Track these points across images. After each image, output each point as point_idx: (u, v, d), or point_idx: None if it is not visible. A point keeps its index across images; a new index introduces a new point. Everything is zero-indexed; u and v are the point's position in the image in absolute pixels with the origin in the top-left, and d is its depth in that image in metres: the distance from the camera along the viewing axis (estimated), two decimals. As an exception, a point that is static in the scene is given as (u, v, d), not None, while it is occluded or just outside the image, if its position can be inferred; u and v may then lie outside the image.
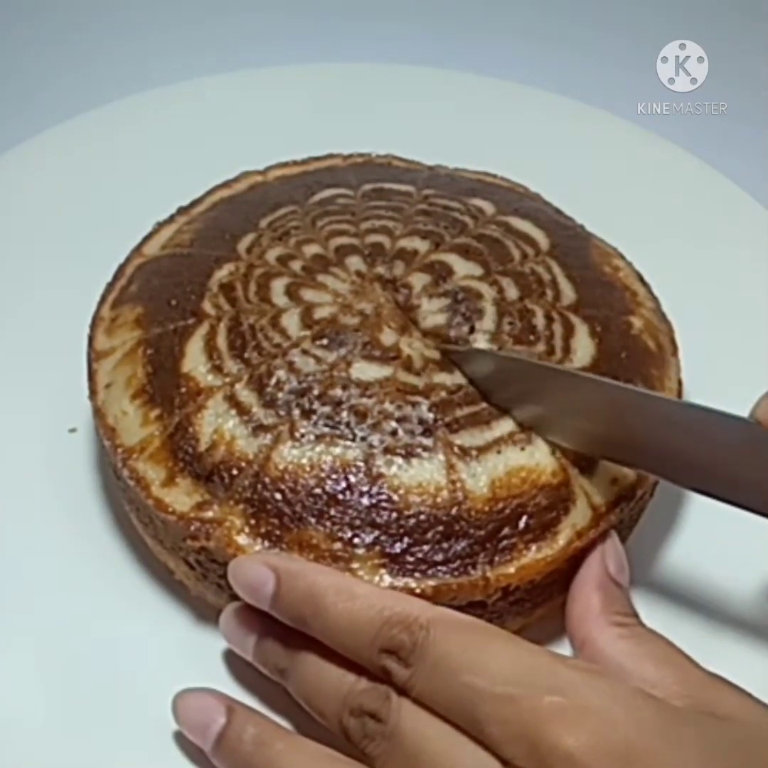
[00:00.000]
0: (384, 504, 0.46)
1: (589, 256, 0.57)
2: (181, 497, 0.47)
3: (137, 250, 0.57)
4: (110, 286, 0.56)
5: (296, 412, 0.48)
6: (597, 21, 0.84)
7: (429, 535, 0.45)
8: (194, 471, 0.47)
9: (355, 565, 0.45)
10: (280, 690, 0.45)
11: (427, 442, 0.47)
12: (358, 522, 0.45)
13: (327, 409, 0.48)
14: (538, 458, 0.48)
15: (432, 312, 0.52)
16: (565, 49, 0.82)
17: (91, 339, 0.53)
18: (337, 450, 0.47)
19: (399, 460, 0.47)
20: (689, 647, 0.42)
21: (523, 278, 0.54)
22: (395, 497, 0.46)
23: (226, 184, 0.62)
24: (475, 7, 0.85)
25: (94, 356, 0.52)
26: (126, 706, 0.47)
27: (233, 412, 0.48)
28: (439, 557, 0.45)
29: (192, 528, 0.46)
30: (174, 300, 0.53)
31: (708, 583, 0.50)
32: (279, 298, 0.52)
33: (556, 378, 0.48)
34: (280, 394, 0.48)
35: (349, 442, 0.47)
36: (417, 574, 0.45)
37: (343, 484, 0.46)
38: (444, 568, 0.45)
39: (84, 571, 0.51)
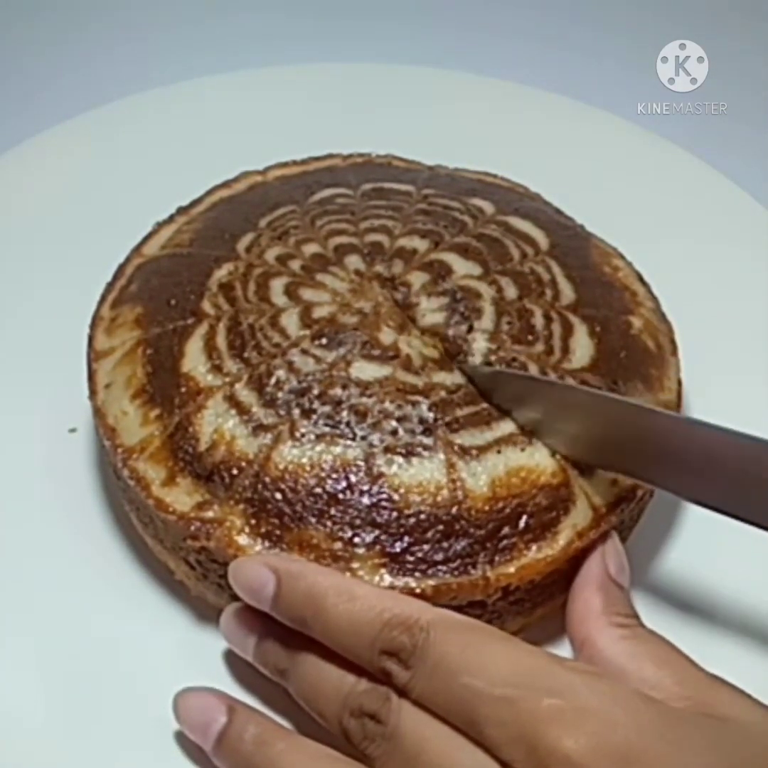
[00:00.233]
0: (384, 503, 0.46)
1: (588, 256, 0.57)
2: (182, 497, 0.47)
3: (137, 250, 0.57)
4: (110, 286, 0.56)
5: (296, 411, 0.48)
6: (597, 21, 0.84)
7: (429, 534, 0.45)
8: (194, 471, 0.47)
9: (355, 565, 0.45)
10: (280, 690, 0.45)
11: (428, 441, 0.47)
12: (358, 521, 0.45)
13: (327, 408, 0.48)
14: (538, 459, 0.48)
15: (431, 310, 0.52)
16: (565, 49, 0.82)
17: (90, 339, 0.53)
18: (338, 449, 0.47)
19: (399, 460, 0.47)
20: (689, 648, 0.42)
21: (522, 278, 0.54)
22: (395, 496, 0.46)
23: (225, 184, 0.62)
24: (475, 7, 0.85)
25: (93, 356, 0.52)
26: (126, 706, 0.47)
27: (233, 411, 0.48)
28: (440, 556, 0.45)
29: (192, 528, 0.46)
30: (173, 300, 0.53)
31: (708, 584, 0.50)
32: (278, 297, 0.52)
33: (559, 391, 0.48)
34: (279, 394, 0.48)
35: (349, 442, 0.47)
36: (417, 574, 0.45)
37: (344, 484, 0.46)
38: (444, 568, 0.45)
39: (84, 571, 0.51)
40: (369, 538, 0.45)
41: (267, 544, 0.45)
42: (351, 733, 0.40)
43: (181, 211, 0.60)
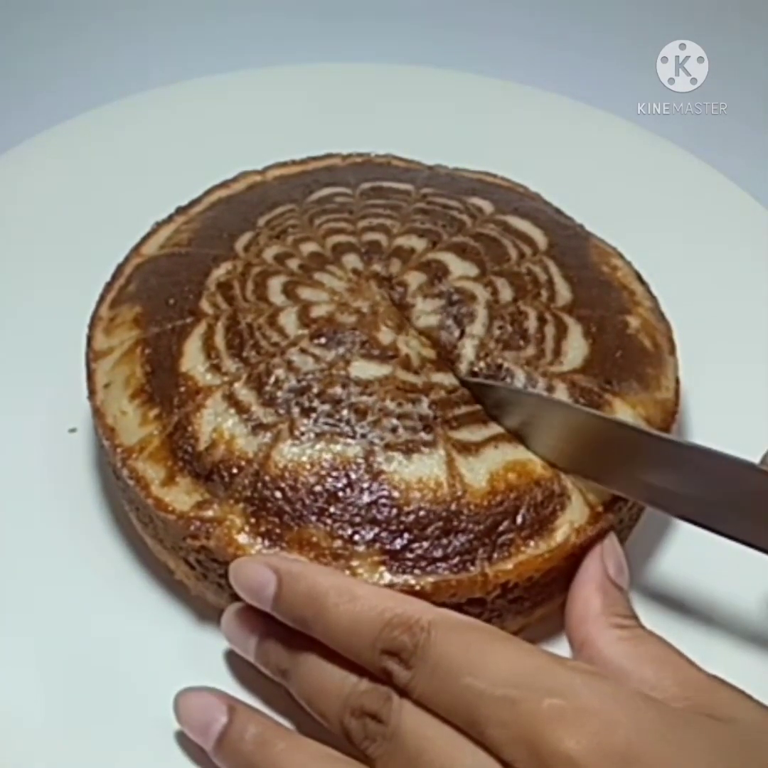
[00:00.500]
0: (384, 500, 0.46)
1: (587, 255, 0.57)
2: (181, 496, 0.47)
3: (136, 249, 0.57)
4: (109, 286, 0.56)
5: (296, 410, 0.48)
6: (597, 21, 0.84)
7: (429, 531, 0.45)
8: (194, 470, 0.47)
9: (355, 563, 0.45)
10: (280, 690, 0.45)
11: (428, 437, 0.47)
12: (358, 519, 0.45)
13: (327, 407, 0.48)
14: (530, 453, 0.48)
15: (425, 312, 0.52)
16: (565, 49, 0.82)
17: (89, 339, 0.53)
18: (337, 447, 0.47)
19: (399, 457, 0.47)
20: (688, 649, 0.42)
21: (518, 278, 0.54)
22: (395, 493, 0.46)
23: (224, 184, 0.62)
24: (475, 7, 0.85)
25: (92, 356, 0.52)
26: (126, 706, 0.47)
27: (232, 410, 0.48)
28: (439, 553, 0.45)
29: (192, 527, 0.46)
30: (172, 299, 0.53)
31: (707, 584, 0.50)
32: (276, 296, 0.52)
33: (537, 403, 0.48)
34: (279, 393, 0.48)
35: (349, 440, 0.47)
36: (416, 571, 0.45)
37: (344, 482, 0.46)
38: (443, 565, 0.45)
39: (84, 571, 0.51)
40: (369, 536, 0.45)
41: (267, 542, 0.45)
42: (352, 733, 0.40)
43: (180, 210, 0.60)
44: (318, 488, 0.46)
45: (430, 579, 0.45)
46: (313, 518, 0.45)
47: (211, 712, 0.43)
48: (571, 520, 0.47)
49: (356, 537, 0.45)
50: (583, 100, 0.75)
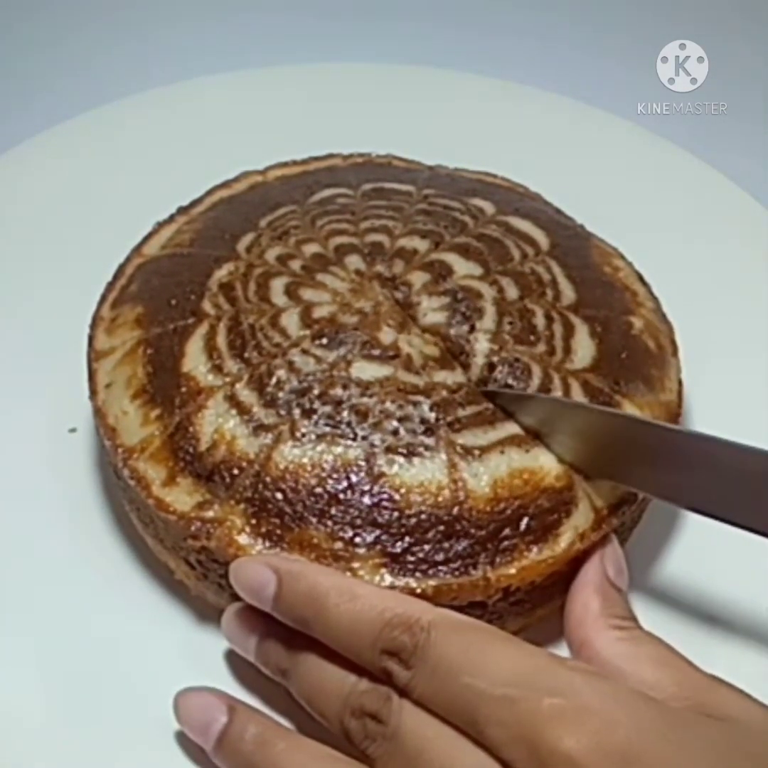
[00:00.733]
0: (385, 503, 0.46)
1: (589, 256, 0.57)
2: (182, 497, 0.47)
3: (137, 249, 0.57)
4: (110, 286, 0.56)
5: (297, 411, 0.48)
6: (597, 21, 0.84)
7: (430, 534, 0.45)
8: (195, 471, 0.47)
9: (355, 565, 0.45)
10: (281, 690, 0.45)
11: (429, 441, 0.47)
12: (359, 521, 0.45)
13: (328, 408, 0.48)
14: (542, 461, 0.48)
15: (432, 309, 0.52)
16: (565, 48, 0.82)
17: (91, 339, 0.53)
18: (339, 449, 0.47)
19: (400, 460, 0.47)
20: (687, 650, 0.42)
21: (523, 278, 0.54)
22: (397, 496, 0.46)
23: (225, 184, 0.62)
24: (475, 7, 0.85)
25: (94, 356, 0.52)
26: (126, 706, 0.47)
27: (234, 411, 0.48)
28: (440, 557, 0.45)
29: (193, 528, 0.46)
30: (174, 300, 0.53)
31: (706, 586, 0.50)
32: (278, 297, 0.52)
33: (561, 407, 0.48)
34: (280, 394, 0.48)
35: (350, 442, 0.47)
36: (418, 574, 0.45)
37: (345, 484, 0.46)
38: (445, 568, 0.45)
39: (84, 571, 0.51)
40: (370, 538, 0.45)
41: (267, 543, 0.45)
42: (352, 733, 0.40)
43: (182, 211, 0.60)
44: (319, 490, 0.46)
45: (432, 582, 0.44)
46: (314, 520, 0.45)
47: (211, 712, 0.43)
48: (575, 525, 0.47)
49: (357, 539, 0.45)
50: (583, 100, 0.76)
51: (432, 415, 0.48)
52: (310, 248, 0.55)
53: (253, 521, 0.46)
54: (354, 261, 0.54)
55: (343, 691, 0.41)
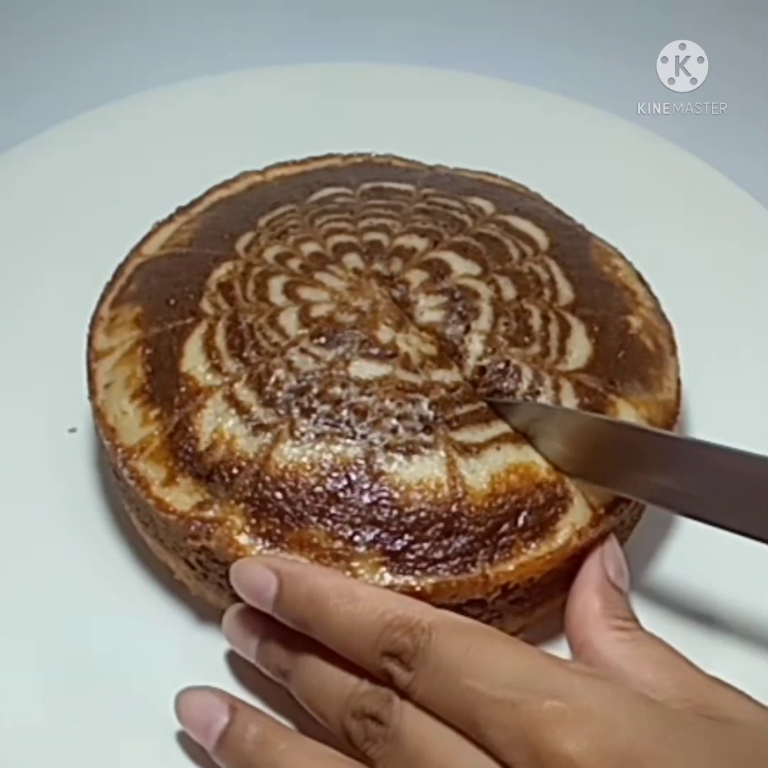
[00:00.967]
0: (385, 501, 0.46)
1: (588, 255, 0.57)
2: (182, 497, 0.47)
3: (136, 249, 0.57)
4: (110, 286, 0.56)
5: (296, 410, 0.48)
6: (597, 20, 0.84)
7: (429, 532, 0.45)
8: (194, 470, 0.47)
9: (355, 564, 0.45)
10: (281, 690, 0.45)
11: (428, 438, 0.47)
12: (358, 520, 0.45)
13: (326, 407, 0.48)
14: (534, 456, 0.48)
15: (429, 308, 0.52)
16: (565, 48, 0.82)
17: (90, 339, 0.53)
18: (338, 448, 0.47)
19: (400, 458, 0.47)
20: (688, 650, 0.42)
21: (521, 278, 0.54)
22: (396, 494, 0.46)
23: (225, 184, 0.62)
24: (475, 7, 0.85)
25: (93, 356, 0.52)
26: (126, 706, 0.46)
27: (233, 411, 0.48)
28: (439, 554, 0.45)
29: (192, 527, 0.46)
30: (172, 299, 0.53)
31: (707, 586, 0.50)
32: (277, 296, 0.52)
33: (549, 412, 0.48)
34: (279, 393, 0.48)
35: (349, 440, 0.47)
36: (417, 572, 0.45)
37: (344, 483, 0.46)
38: (444, 566, 0.45)
39: (84, 571, 0.51)
40: (369, 537, 0.45)
41: (267, 543, 0.45)
42: (353, 734, 0.40)
43: (181, 211, 0.60)
44: (318, 489, 0.46)
45: (431, 580, 0.45)
46: (314, 519, 0.45)
47: (212, 712, 0.43)
48: (572, 522, 0.47)
49: (357, 538, 0.45)
50: (583, 100, 0.75)
51: (430, 414, 0.48)
52: (309, 247, 0.55)
53: (253, 521, 0.46)
54: (352, 260, 0.54)
55: (343, 692, 0.41)
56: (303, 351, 0.50)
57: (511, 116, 0.74)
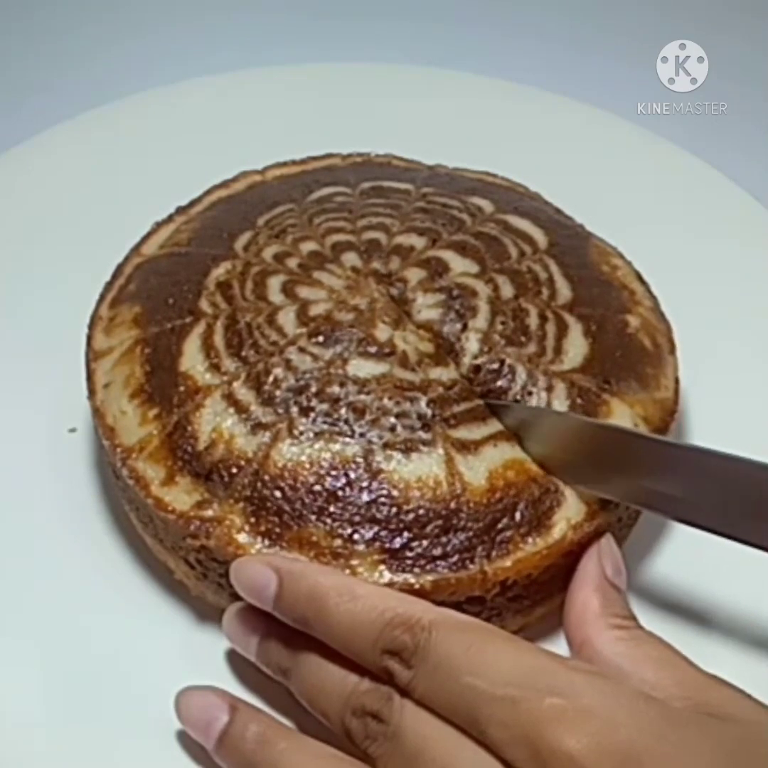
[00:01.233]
0: (383, 499, 0.46)
1: (587, 254, 0.57)
2: (181, 496, 0.47)
3: (136, 249, 0.58)
4: (109, 286, 0.56)
5: (294, 409, 0.48)
6: (597, 21, 0.84)
7: (428, 529, 0.45)
8: (193, 470, 0.47)
9: (355, 562, 0.45)
10: (281, 690, 0.45)
11: (426, 436, 0.47)
12: (357, 518, 0.45)
13: (325, 406, 0.48)
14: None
15: (426, 306, 0.52)
16: (565, 48, 0.82)
17: (89, 338, 0.53)
18: (336, 447, 0.47)
19: (398, 456, 0.47)
20: (687, 649, 0.42)
21: (519, 276, 0.54)
22: (395, 492, 0.46)
23: (224, 184, 0.62)
24: (475, 7, 0.85)
25: (92, 356, 0.53)
26: (126, 706, 0.46)
27: (231, 410, 0.48)
28: (438, 552, 0.45)
29: (192, 527, 0.46)
30: (171, 299, 0.53)
31: (705, 584, 0.50)
32: (275, 295, 0.52)
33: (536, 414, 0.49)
34: (277, 392, 0.48)
35: (347, 439, 0.47)
36: (416, 570, 0.45)
37: (343, 481, 0.46)
38: (443, 563, 0.45)
39: (84, 571, 0.51)
40: (369, 535, 0.45)
41: (267, 542, 0.45)
42: (353, 732, 0.40)
43: (180, 210, 0.60)
44: (317, 487, 0.46)
45: (430, 577, 0.45)
46: (313, 517, 0.45)
47: (212, 711, 0.43)
48: (567, 517, 0.47)
49: (356, 536, 0.45)
50: (583, 100, 0.75)
51: (428, 412, 0.48)
52: (307, 246, 0.55)
53: (252, 520, 0.46)
54: (351, 258, 0.54)
55: (344, 690, 0.41)
56: (301, 350, 0.50)
57: (511, 116, 0.74)
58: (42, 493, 0.54)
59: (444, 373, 0.50)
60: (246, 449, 0.47)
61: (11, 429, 0.56)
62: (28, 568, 0.51)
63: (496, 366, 0.50)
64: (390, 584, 0.44)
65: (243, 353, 0.50)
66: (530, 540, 0.46)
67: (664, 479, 0.45)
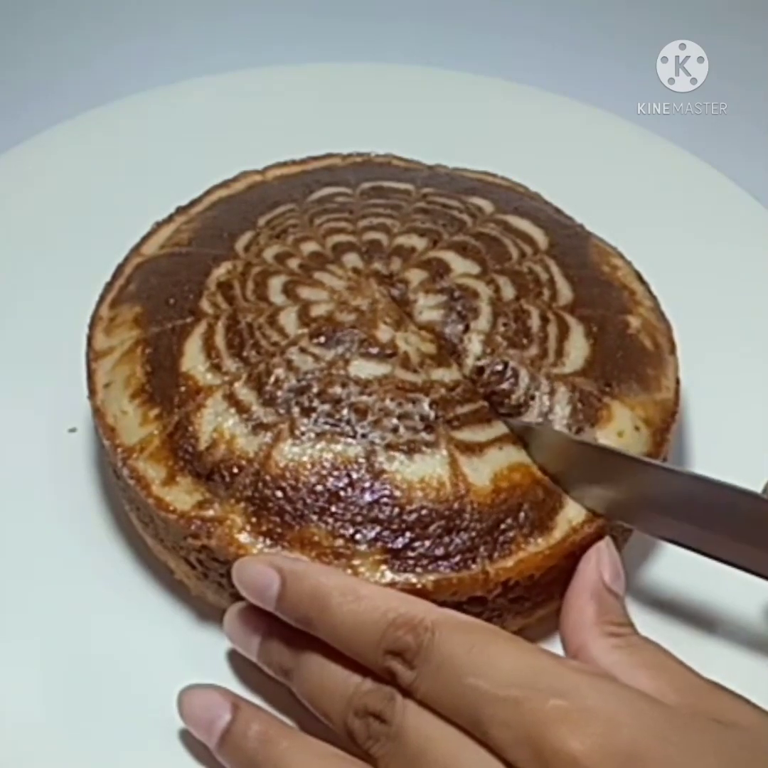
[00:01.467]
0: (386, 499, 0.46)
1: (587, 255, 0.57)
2: (182, 496, 0.47)
3: (136, 249, 0.57)
4: (109, 286, 0.56)
5: (296, 410, 0.48)
6: (597, 21, 0.84)
7: (430, 529, 0.45)
8: (194, 470, 0.47)
9: (356, 562, 0.45)
10: (281, 689, 0.45)
11: (429, 438, 0.47)
12: (359, 518, 0.45)
13: (327, 406, 0.48)
14: None
15: (428, 307, 0.52)
16: (565, 48, 0.82)
17: (89, 338, 0.53)
18: (338, 447, 0.47)
19: (401, 456, 0.47)
20: (685, 654, 0.42)
21: (520, 277, 0.54)
22: (397, 493, 0.46)
23: (224, 184, 0.62)
24: (475, 7, 0.85)
25: (92, 356, 0.52)
26: (126, 706, 0.46)
27: (233, 410, 0.48)
28: (440, 552, 0.45)
29: (193, 527, 0.46)
30: (172, 299, 0.53)
31: (704, 590, 0.50)
32: (276, 296, 0.52)
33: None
34: (279, 393, 0.48)
35: (349, 439, 0.47)
36: (418, 569, 0.45)
37: (345, 481, 0.46)
38: (445, 563, 0.45)
39: (84, 571, 0.51)
40: (371, 535, 0.45)
41: (268, 542, 0.45)
42: (355, 732, 0.40)
43: (181, 210, 0.60)
44: (319, 487, 0.46)
45: (432, 577, 0.45)
46: (315, 517, 0.45)
47: (214, 710, 0.43)
48: (569, 518, 0.47)
49: (358, 536, 0.45)
50: (583, 100, 0.75)
51: (431, 413, 0.48)
52: (308, 247, 0.55)
53: (254, 520, 0.46)
54: (352, 259, 0.54)
55: (346, 691, 0.41)
56: (302, 350, 0.50)
57: (511, 116, 0.74)
58: (42, 493, 0.54)
59: (446, 375, 0.50)
60: (247, 449, 0.47)
61: (11, 429, 0.56)
62: (28, 568, 0.51)
63: (499, 368, 0.50)
64: (392, 584, 0.44)
65: (244, 353, 0.50)
66: (532, 540, 0.46)
67: (648, 500, 0.46)
